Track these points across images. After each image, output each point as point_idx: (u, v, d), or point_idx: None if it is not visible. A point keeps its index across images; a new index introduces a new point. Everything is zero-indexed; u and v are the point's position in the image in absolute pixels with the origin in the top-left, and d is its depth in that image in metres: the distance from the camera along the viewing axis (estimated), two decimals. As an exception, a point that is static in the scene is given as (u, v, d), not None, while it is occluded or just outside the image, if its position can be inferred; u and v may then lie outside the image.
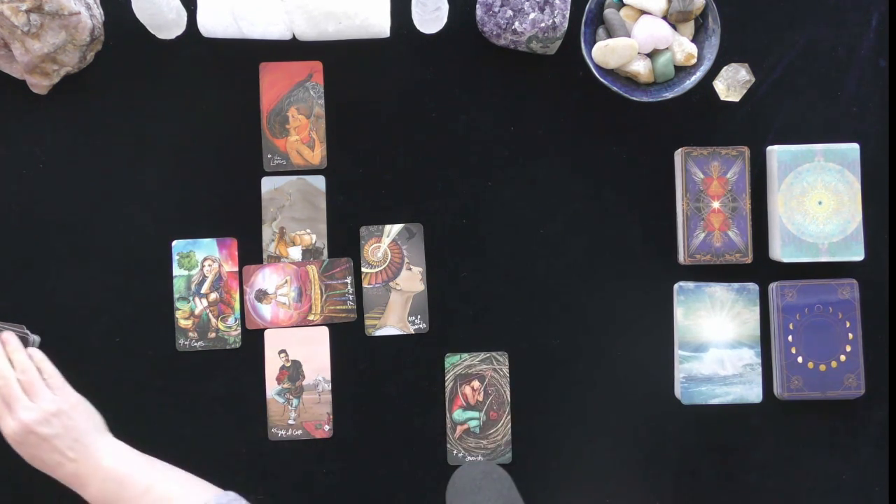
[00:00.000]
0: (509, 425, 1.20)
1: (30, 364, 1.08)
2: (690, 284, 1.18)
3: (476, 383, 1.20)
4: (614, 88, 1.16)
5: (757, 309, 1.18)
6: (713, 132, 1.21)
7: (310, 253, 1.20)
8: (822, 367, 1.17)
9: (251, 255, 1.20)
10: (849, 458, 1.20)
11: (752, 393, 1.17)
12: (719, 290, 1.18)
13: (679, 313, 1.18)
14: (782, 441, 1.20)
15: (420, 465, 1.19)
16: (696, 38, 1.19)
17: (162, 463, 1.07)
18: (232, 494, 1.01)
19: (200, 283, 1.20)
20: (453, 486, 1.01)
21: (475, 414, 1.20)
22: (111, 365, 1.19)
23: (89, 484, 1.04)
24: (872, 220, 1.20)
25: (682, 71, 1.18)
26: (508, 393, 1.20)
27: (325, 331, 1.20)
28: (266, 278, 1.20)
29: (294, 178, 1.20)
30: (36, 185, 1.19)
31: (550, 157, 1.21)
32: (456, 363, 1.20)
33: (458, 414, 1.20)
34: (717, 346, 1.18)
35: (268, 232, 1.20)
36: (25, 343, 1.15)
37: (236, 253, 1.20)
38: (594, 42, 1.18)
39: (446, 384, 1.20)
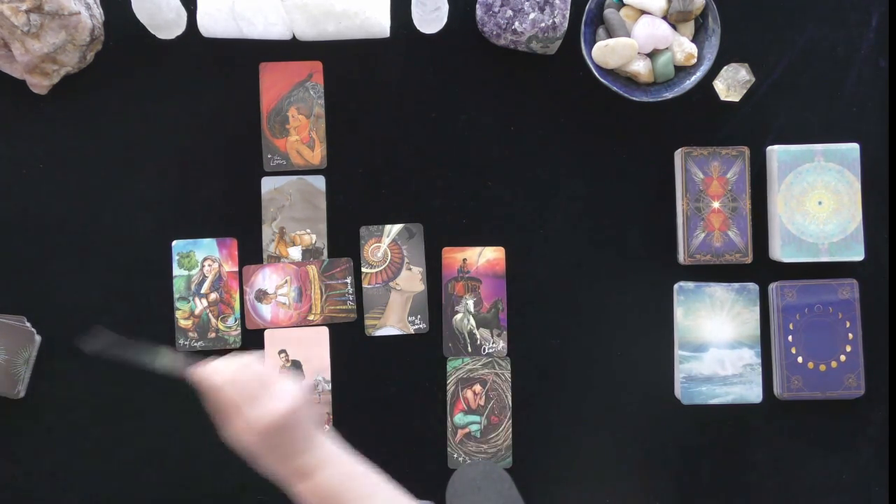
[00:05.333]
0: (510, 429, 1.20)
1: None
2: (690, 284, 1.18)
3: (478, 387, 1.20)
4: (614, 88, 1.16)
5: (757, 309, 1.18)
6: (713, 132, 1.21)
7: (310, 253, 1.20)
8: (822, 367, 1.17)
9: (251, 255, 1.20)
10: (849, 458, 1.20)
11: (752, 393, 1.17)
12: (719, 290, 1.18)
13: (679, 313, 1.18)
14: (782, 441, 1.20)
15: (420, 465, 1.19)
16: (696, 38, 1.19)
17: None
18: None
19: (200, 283, 1.20)
20: (453, 486, 1.01)
21: (476, 418, 1.20)
22: (111, 365, 1.19)
23: (317, 473, 0.95)
24: (872, 220, 1.20)
25: (682, 71, 1.18)
26: (510, 397, 1.20)
27: (325, 331, 1.20)
28: (266, 278, 1.20)
29: (294, 178, 1.20)
30: (36, 185, 1.20)
31: (550, 157, 1.21)
32: (458, 367, 1.20)
33: (459, 418, 1.20)
34: (717, 346, 1.18)
35: (268, 232, 1.20)
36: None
37: (236, 253, 1.20)
38: (594, 42, 1.18)
39: (448, 388, 1.20)
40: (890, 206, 1.21)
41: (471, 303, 1.20)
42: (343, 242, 1.21)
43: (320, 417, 1.07)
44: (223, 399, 0.94)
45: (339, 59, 1.21)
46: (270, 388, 0.95)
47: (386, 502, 0.95)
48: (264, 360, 1.04)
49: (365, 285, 1.20)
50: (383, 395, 1.20)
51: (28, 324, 1.17)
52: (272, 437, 0.95)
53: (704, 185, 1.18)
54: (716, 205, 1.18)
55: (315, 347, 1.20)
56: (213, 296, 1.20)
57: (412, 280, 1.21)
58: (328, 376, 1.19)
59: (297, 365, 1.19)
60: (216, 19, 1.15)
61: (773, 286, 1.19)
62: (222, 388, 0.94)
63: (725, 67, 1.20)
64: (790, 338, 1.18)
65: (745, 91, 1.20)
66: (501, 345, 1.20)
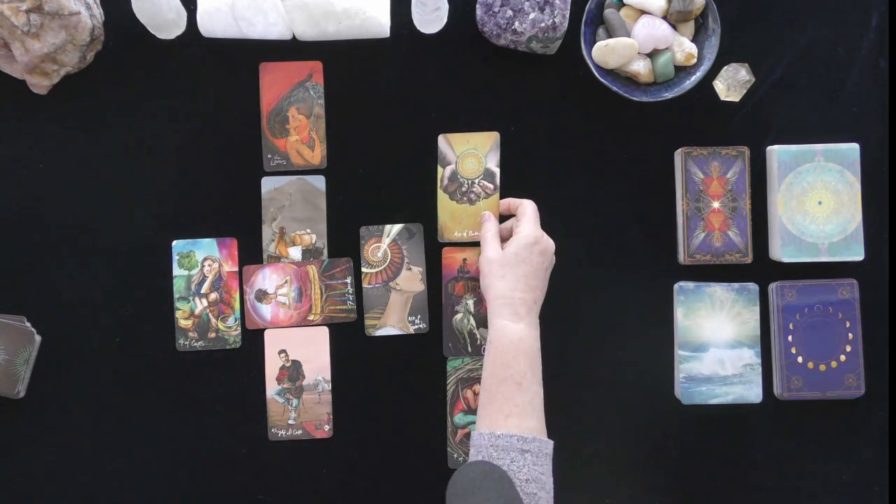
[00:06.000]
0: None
1: None
2: (690, 284, 1.18)
3: (478, 387, 1.20)
4: (614, 88, 1.16)
5: (757, 309, 1.18)
6: (713, 132, 1.21)
7: (310, 253, 1.20)
8: (822, 367, 1.17)
9: (251, 255, 1.20)
10: (849, 458, 1.20)
11: (752, 393, 1.17)
12: (719, 290, 1.18)
13: (679, 313, 1.18)
14: (782, 441, 1.20)
15: (420, 465, 1.19)
16: (696, 38, 1.19)
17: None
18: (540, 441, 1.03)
19: (200, 283, 1.20)
20: (453, 486, 1.01)
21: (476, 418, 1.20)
22: (111, 365, 1.19)
23: (526, 320, 1.08)
24: (872, 220, 1.20)
25: (682, 71, 1.18)
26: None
27: (325, 331, 1.20)
28: (266, 278, 1.20)
29: (294, 178, 1.20)
30: (36, 185, 1.20)
31: (551, 157, 1.21)
32: (458, 367, 1.20)
33: (459, 418, 1.20)
34: (717, 346, 1.18)
35: (268, 232, 1.20)
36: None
37: (236, 253, 1.20)
38: (594, 42, 1.18)
39: (448, 387, 1.20)
40: (890, 206, 1.21)
41: (471, 303, 1.20)
42: (343, 242, 1.21)
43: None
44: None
45: (339, 59, 1.21)
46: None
47: (534, 395, 1.06)
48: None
49: (365, 285, 1.20)
50: (383, 395, 1.20)
51: (28, 324, 1.17)
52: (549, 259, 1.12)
53: (704, 185, 1.18)
54: (716, 205, 1.18)
55: (315, 347, 1.20)
56: (213, 296, 1.20)
57: (412, 280, 1.21)
58: (328, 376, 1.19)
59: (297, 365, 1.19)
60: (216, 19, 1.15)
61: (773, 286, 1.19)
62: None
63: (725, 67, 1.20)
64: (790, 338, 1.18)
65: (745, 91, 1.20)
66: None
